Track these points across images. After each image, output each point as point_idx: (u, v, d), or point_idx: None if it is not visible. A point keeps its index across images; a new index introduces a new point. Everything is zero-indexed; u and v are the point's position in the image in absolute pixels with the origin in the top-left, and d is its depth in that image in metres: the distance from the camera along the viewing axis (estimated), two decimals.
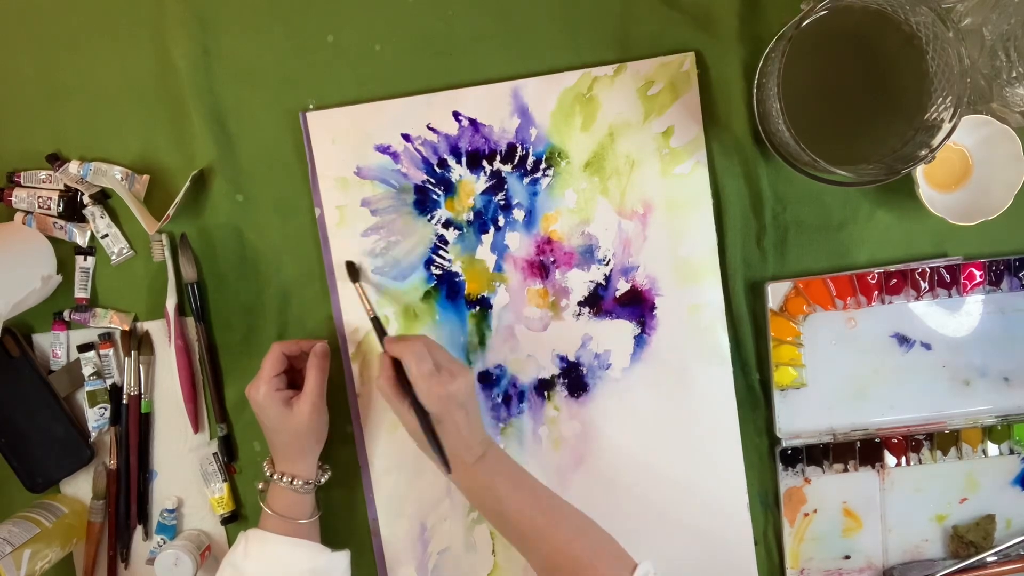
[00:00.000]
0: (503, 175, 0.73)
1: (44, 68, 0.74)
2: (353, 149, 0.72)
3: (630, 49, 0.72)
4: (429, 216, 0.73)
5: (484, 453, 0.65)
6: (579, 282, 0.73)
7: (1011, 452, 0.74)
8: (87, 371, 0.74)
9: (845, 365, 0.73)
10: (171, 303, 0.73)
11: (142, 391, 0.75)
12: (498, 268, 0.74)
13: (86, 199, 0.73)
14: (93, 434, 0.74)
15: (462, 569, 0.75)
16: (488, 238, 0.74)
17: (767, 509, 0.75)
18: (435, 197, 0.73)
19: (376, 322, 0.70)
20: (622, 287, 0.73)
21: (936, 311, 0.73)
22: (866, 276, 0.72)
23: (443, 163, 0.73)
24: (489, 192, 0.73)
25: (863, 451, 0.73)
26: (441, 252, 0.73)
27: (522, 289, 0.74)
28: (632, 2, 0.72)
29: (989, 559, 0.73)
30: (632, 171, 0.72)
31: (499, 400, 0.74)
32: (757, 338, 0.74)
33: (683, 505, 0.74)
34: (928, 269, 0.72)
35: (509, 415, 0.74)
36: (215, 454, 0.75)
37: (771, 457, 0.75)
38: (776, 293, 0.73)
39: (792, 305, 0.73)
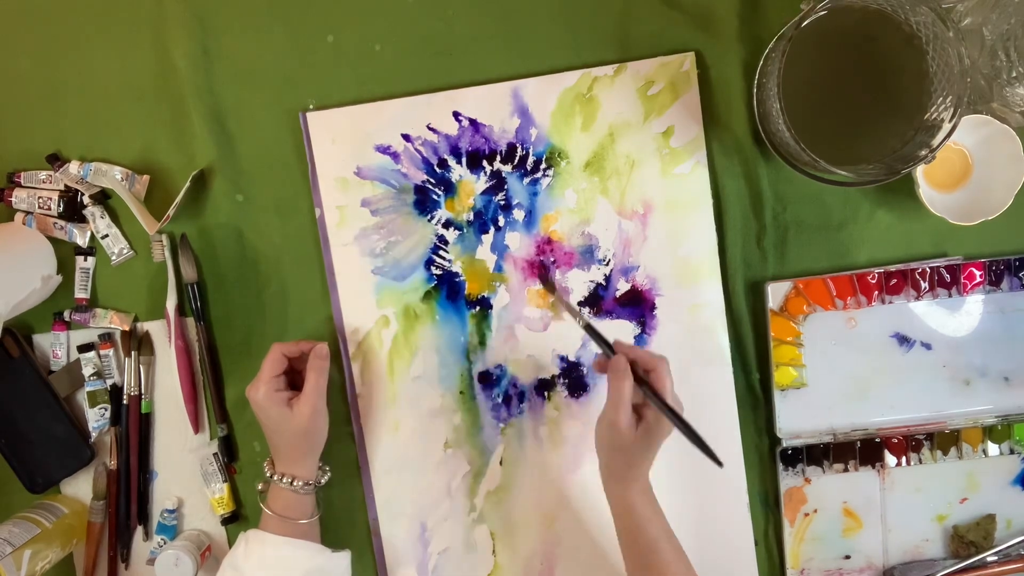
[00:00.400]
0: (503, 175, 0.73)
1: (44, 68, 0.74)
2: (353, 149, 0.72)
3: (630, 49, 0.72)
4: (429, 216, 0.73)
5: (646, 484, 0.65)
6: (579, 282, 0.74)
7: (1011, 452, 0.73)
8: (87, 371, 0.74)
9: (845, 365, 0.73)
10: (171, 303, 0.73)
11: (142, 391, 0.74)
12: (498, 268, 0.74)
13: (86, 199, 0.73)
14: (93, 434, 0.74)
15: (462, 569, 0.75)
16: (488, 238, 0.74)
17: (767, 509, 0.75)
18: (435, 197, 0.73)
19: (592, 329, 0.66)
20: (622, 287, 0.73)
21: (936, 311, 0.73)
22: (866, 276, 0.72)
23: (443, 163, 0.73)
24: (489, 192, 0.73)
25: (863, 451, 0.73)
26: (441, 252, 0.73)
27: (522, 289, 0.74)
28: (632, 2, 0.72)
29: (989, 559, 0.73)
30: (632, 171, 0.72)
31: (499, 400, 0.74)
32: (757, 338, 0.74)
33: (683, 505, 0.74)
34: (928, 269, 0.72)
35: (509, 415, 0.74)
36: (215, 454, 0.75)
37: (771, 457, 0.75)
38: (776, 293, 0.73)
39: (792, 305, 0.73)
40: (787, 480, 0.74)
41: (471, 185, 0.73)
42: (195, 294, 0.74)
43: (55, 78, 0.74)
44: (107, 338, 0.75)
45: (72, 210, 0.74)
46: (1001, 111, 0.68)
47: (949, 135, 0.60)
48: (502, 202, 0.73)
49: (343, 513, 0.75)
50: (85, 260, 0.74)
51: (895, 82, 0.64)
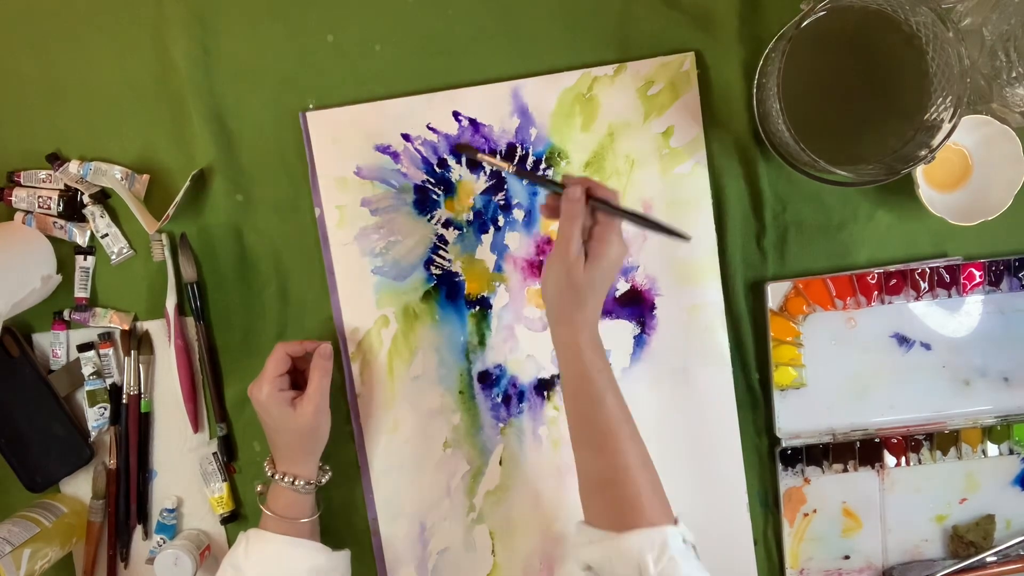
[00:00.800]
0: (503, 175, 0.73)
1: (44, 68, 0.74)
2: (353, 149, 0.72)
3: (630, 49, 0.72)
4: (429, 216, 0.73)
5: (595, 332, 0.62)
6: None
7: (1011, 452, 0.73)
8: (87, 371, 0.74)
9: (845, 365, 0.73)
10: (171, 303, 0.73)
11: (142, 391, 0.74)
12: (498, 268, 0.74)
13: (86, 199, 0.73)
14: (93, 434, 0.74)
15: (462, 569, 0.75)
16: (488, 238, 0.74)
17: (767, 509, 0.75)
18: (435, 197, 0.73)
19: (527, 172, 0.66)
20: (622, 287, 0.73)
21: (936, 311, 0.73)
22: (866, 276, 0.72)
23: (443, 163, 0.73)
24: (489, 192, 0.73)
25: (863, 451, 0.73)
26: (441, 252, 0.73)
27: (522, 289, 0.74)
28: (632, 2, 0.72)
29: (989, 559, 0.73)
30: (632, 171, 0.72)
31: (499, 400, 0.74)
32: (757, 338, 0.74)
33: (683, 505, 0.73)
34: (928, 269, 0.72)
35: (509, 415, 0.74)
36: (215, 454, 0.75)
37: (771, 457, 0.75)
38: (776, 293, 0.73)
39: (792, 305, 0.73)
40: (786, 480, 0.74)
41: (471, 185, 0.73)
42: (195, 293, 0.74)
43: (55, 77, 0.74)
44: (107, 337, 0.75)
45: (72, 209, 0.74)
46: (1001, 111, 0.68)
47: (949, 135, 0.60)
48: (502, 202, 0.73)
49: (343, 513, 0.75)
50: (85, 259, 0.74)
51: (895, 82, 0.64)
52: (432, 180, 0.73)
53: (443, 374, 0.74)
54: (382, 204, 0.73)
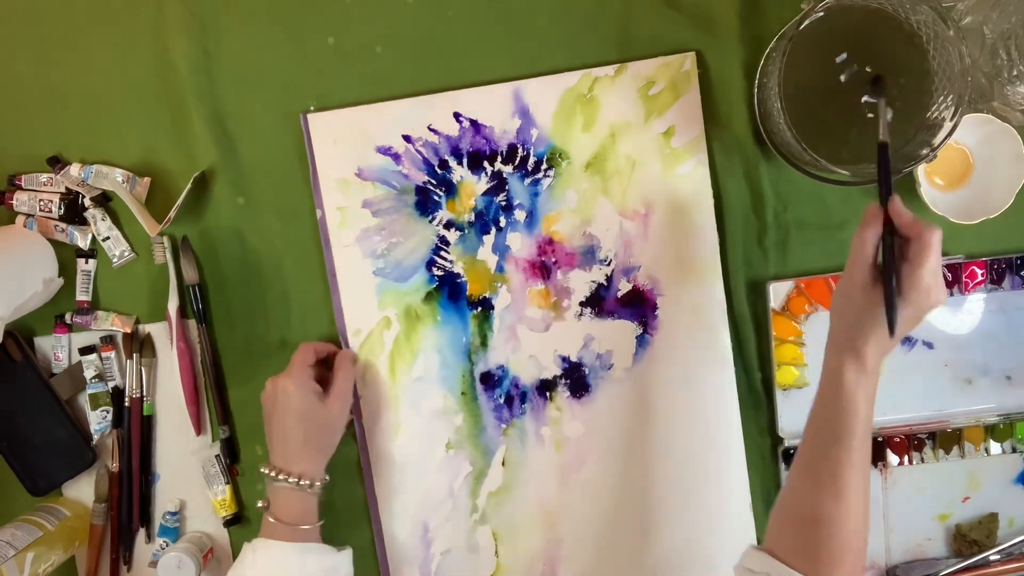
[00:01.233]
0: (504, 176, 0.73)
1: (45, 71, 0.74)
2: (354, 150, 0.72)
3: (631, 49, 0.72)
4: (430, 217, 0.73)
5: (876, 374, 0.57)
6: (581, 282, 0.73)
7: (1013, 451, 0.74)
8: (89, 374, 0.74)
9: None
10: (173, 305, 0.73)
11: (144, 394, 0.74)
12: (499, 269, 0.73)
13: (87, 202, 0.73)
14: (95, 437, 0.74)
15: (465, 570, 0.75)
16: (489, 239, 0.73)
17: (769, 508, 0.75)
18: (436, 198, 0.73)
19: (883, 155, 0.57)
20: (624, 287, 0.73)
21: (938, 310, 0.73)
22: None
23: (444, 164, 0.73)
24: (490, 193, 0.73)
25: None
26: (442, 253, 0.73)
27: (524, 290, 0.74)
28: (632, 2, 0.72)
29: (992, 558, 0.73)
30: (633, 171, 0.72)
31: (501, 401, 0.74)
32: (759, 338, 0.74)
33: (685, 505, 0.74)
34: None
35: (511, 416, 0.74)
36: (217, 456, 0.75)
37: (773, 456, 0.75)
38: (778, 292, 0.73)
39: (794, 304, 0.73)
40: None
41: (472, 186, 0.73)
42: (196, 296, 0.74)
43: (56, 81, 0.74)
44: (109, 340, 0.75)
45: (73, 213, 0.74)
46: (1002, 110, 0.68)
47: (950, 134, 0.60)
48: (503, 203, 0.73)
49: (345, 514, 0.75)
50: (86, 262, 0.74)
51: (896, 81, 0.64)
52: (433, 181, 0.73)
53: (445, 375, 0.74)
54: (383, 205, 0.73)
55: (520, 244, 0.74)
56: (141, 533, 0.76)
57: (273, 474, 0.67)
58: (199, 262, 0.74)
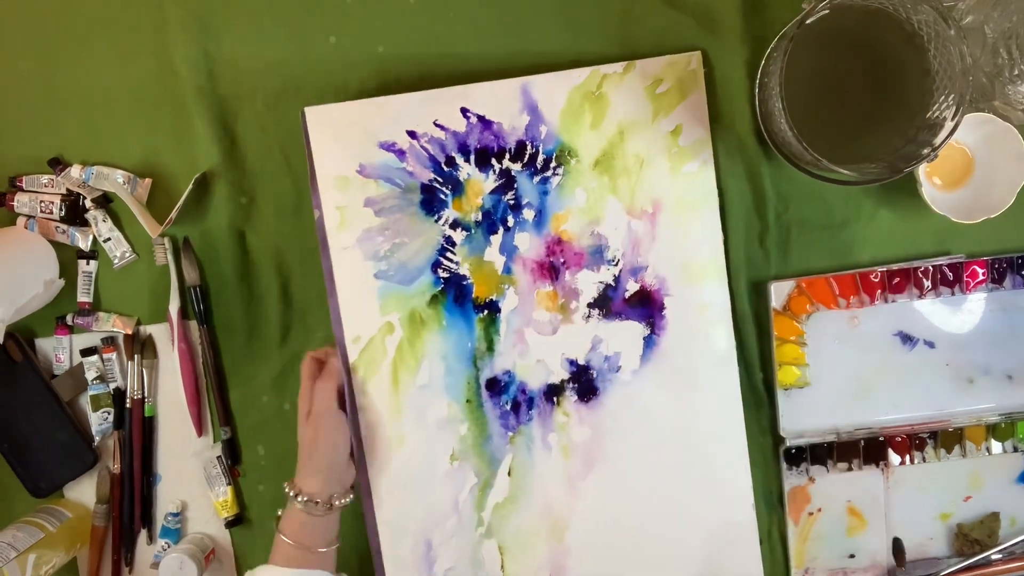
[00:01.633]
0: (512, 174, 0.72)
1: (45, 72, 0.74)
2: (356, 146, 0.71)
3: (632, 49, 0.72)
4: (436, 216, 0.72)
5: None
6: (589, 283, 0.72)
7: (1015, 450, 0.74)
8: (90, 375, 0.74)
9: (848, 364, 0.73)
10: (174, 306, 0.73)
11: (145, 395, 0.74)
12: (507, 270, 0.72)
13: (88, 203, 0.73)
14: (96, 438, 0.75)
15: None
16: (497, 239, 0.72)
17: (771, 508, 0.75)
18: (442, 197, 0.72)
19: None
20: (631, 288, 0.72)
21: (939, 309, 0.73)
22: (869, 275, 0.72)
23: (451, 161, 0.71)
24: (498, 191, 0.72)
25: (867, 450, 0.73)
26: (448, 254, 0.72)
27: (531, 292, 0.72)
28: (633, 2, 0.72)
29: (994, 557, 0.73)
30: (641, 170, 0.71)
31: (507, 408, 0.73)
32: (760, 337, 0.74)
33: (689, 505, 0.73)
34: (931, 267, 0.72)
35: (518, 423, 0.73)
36: (219, 457, 0.75)
37: (775, 456, 0.75)
38: (779, 292, 0.73)
39: (795, 304, 0.73)
40: (791, 479, 0.74)
41: (479, 184, 0.72)
42: (198, 297, 0.74)
43: (56, 82, 0.74)
44: (110, 342, 0.75)
45: (74, 214, 0.74)
46: (1003, 109, 0.68)
47: (951, 133, 0.60)
48: (511, 201, 0.72)
49: (346, 531, 0.71)
50: (87, 264, 0.74)
51: (897, 81, 0.64)
52: (440, 179, 0.71)
53: (450, 383, 0.72)
54: (387, 204, 0.72)
55: (528, 244, 0.72)
56: (143, 534, 0.76)
57: (286, 489, 0.65)
58: (200, 263, 0.74)
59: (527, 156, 0.71)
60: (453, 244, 0.72)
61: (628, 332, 0.73)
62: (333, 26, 0.73)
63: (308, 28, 0.73)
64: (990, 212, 0.69)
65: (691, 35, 0.72)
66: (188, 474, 0.76)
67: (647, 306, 0.73)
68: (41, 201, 0.73)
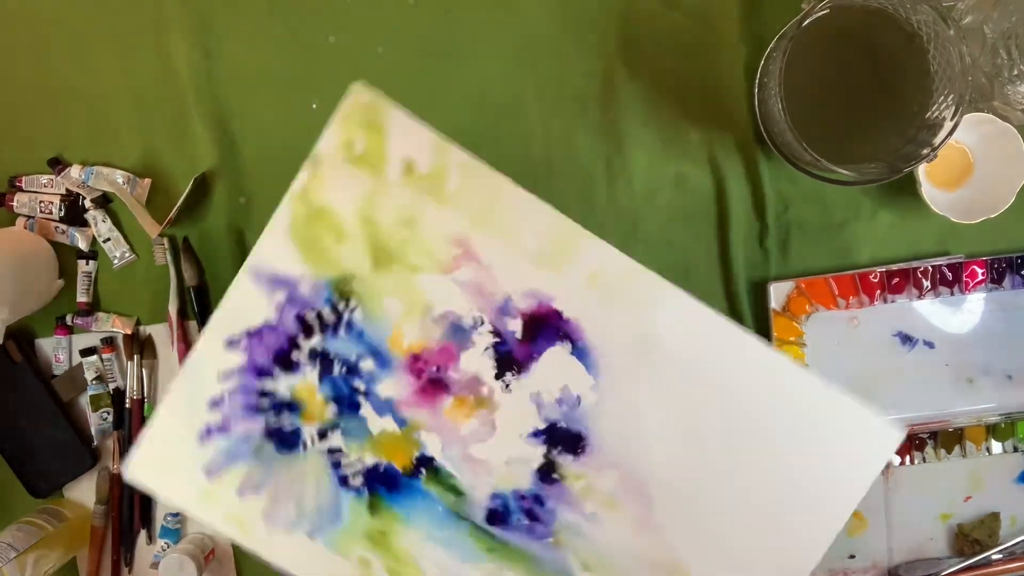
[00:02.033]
0: (320, 350, 0.60)
1: (45, 72, 0.74)
2: (189, 426, 0.60)
3: (633, 49, 0.72)
4: (298, 445, 0.61)
5: None
6: (477, 362, 0.61)
7: (1015, 450, 0.74)
8: (90, 375, 0.74)
9: (848, 364, 0.73)
10: (174, 307, 0.73)
11: (145, 395, 0.74)
12: (401, 423, 0.61)
13: (88, 203, 0.73)
14: (96, 439, 0.74)
15: None
16: (367, 409, 0.61)
17: None
18: (289, 428, 0.61)
19: None
20: (516, 327, 0.61)
21: (939, 309, 0.73)
22: (868, 275, 0.72)
23: (264, 393, 0.61)
24: (326, 374, 0.61)
25: None
26: (342, 461, 0.61)
27: (440, 418, 0.61)
28: (633, 3, 0.72)
29: (994, 557, 0.73)
30: (416, 226, 0.59)
31: (525, 522, 0.62)
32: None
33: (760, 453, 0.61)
34: (930, 268, 0.72)
35: (547, 525, 0.62)
36: None
37: None
38: (778, 293, 0.73)
39: (795, 305, 0.73)
40: None
41: (304, 385, 0.61)
42: (198, 297, 0.73)
43: (56, 82, 0.74)
44: (109, 342, 0.75)
45: (74, 214, 0.74)
46: (1003, 109, 0.69)
47: (951, 134, 0.60)
48: (344, 370, 0.61)
49: None
50: (87, 264, 0.74)
51: (896, 81, 0.64)
52: (273, 414, 0.60)
53: (458, 551, 0.61)
54: (251, 479, 0.61)
55: (395, 386, 0.61)
56: (142, 535, 0.76)
57: None
58: (200, 263, 0.74)
59: (314, 325, 0.60)
60: (338, 449, 0.61)
61: (554, 363, 0.61)
62: (333, 26, 0.73)
63: (308, 27, 0.73)
64: (989, 212, 0.69)
65: (689, 36, 0.72)
66: None
67: (546, 327, 0.61)
68: (41, 201, 0.73)
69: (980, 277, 0.72)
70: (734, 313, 0.73)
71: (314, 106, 0.73)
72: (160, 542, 0.75)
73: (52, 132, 0.74)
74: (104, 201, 0.74)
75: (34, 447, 0.73)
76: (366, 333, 0.61)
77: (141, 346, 0.74)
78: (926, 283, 0.72)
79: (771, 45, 0.66)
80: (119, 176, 0.73)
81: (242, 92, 0.73)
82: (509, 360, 0.61)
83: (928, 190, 0.70)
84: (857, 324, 0.73)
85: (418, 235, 0.60)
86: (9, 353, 0.73)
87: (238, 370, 0.60)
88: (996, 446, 0.73)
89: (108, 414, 0.74)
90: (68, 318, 0.74)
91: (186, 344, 0.74)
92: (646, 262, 0.58)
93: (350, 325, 0.60)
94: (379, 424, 0.61)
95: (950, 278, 0.72)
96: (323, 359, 0.60)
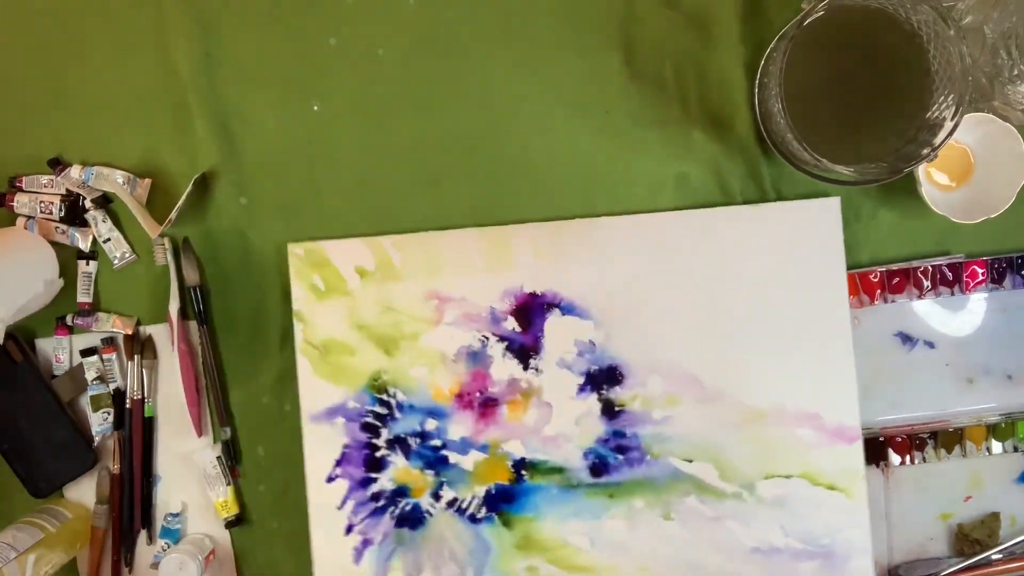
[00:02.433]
0: (392, 438, 0.71)
1: (45, 73, 0.74)
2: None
3: (633, 49, 0.72)
4: (426, 515, 0.71)
5: None
6: (503, 368, 0.71)
7: (1015, 450, 0.74)
8: (90, 376, 0.74)
9: None
10: (174, 307, 0.73)
11: (145, 395, 0.74)
12: (483, 449, 0.70)
13: (88, 203, 0.73)
14: (96, 439, 0.74)
15: None
16: (454, 457, 0.71)
17: None
18: (410, 508, 0.71)
19: None
20: (510, 325, 0.71)
21: (939, 309, 0.73)
22: (869, 275, 0.72)
23: (376, 496, 0.71)
24: (408, 451, 0.71)
25: (867, 450, 0.73)
26: (463, 505, 0.71)
27: (507, 426, 0.71)
28: (633, 4, 0.72)
29: (994, 557, 0.73)
30: (394, 310, 0.70)
31: (620, 459, 0.70)
32: None
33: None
34: (930, 267, 0.72)
35: (636, 449, 0.70)
36: (219, 458, 0.75)
37: None
38: None
39: None
40: None
41: (400, 469, 0.71)
42: (198, 297, 0.73)
43: (56, 82, 0.74)
44: (110, 342, 0.75)
45: (74, 214, 0.73)
46: (1003, 109, 0.69)
47: (951, 133, 0.60)
48: (418, 440, 0.71)
49: None
50: (87, 264, 0.74)
51: (897, 81, 0.64)
52: (393, 507, 0.71)
53: (593, 512, 0.70)
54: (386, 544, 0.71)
55: (460, 427, 0.71)
56: (142, 535, 0.76)
57: None
58: (200, 263, 0.74)
59: (377, 424, 0.71)
60: (454, 500, 0.71)
61: (556, 330, 0.70)
62: (333, 27, 0.73)
63: (308, 29, 0.73)
64: (990, 212, 0.69)
65: (689, 36, 0.72)
66: (188, 474, 0.75)
67: (531, 309, 0.71)
68: (41, 201, 0.73)
69: (980, 277, 0.72)
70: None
71: (315, 107, 0.73)
72: (160, 542, 0.75)
73: (52, 132, 0.74)
74: (104, 201, 0.74)
75: (34, 447, 0.73)
76: (415, 404, 0.71)
77: (142, 346, 0.74)
78: (926, 283, 0.72)
79: (771, 45, 0.66)
80: (119, 176, 0.73)
81: (243, 92, 0.73)
82: (524, 351, 0.70)
83: (928, 190, 0.70)
84: (858, 324, 0.73)
85: (400, 312, 0.70)
86: (9, 353, 0.73)
87: (347, 494, 0.70)
88: (996, 446, 0.73)
89: (109, 414, 0.74)
90: (68, 318, 0.74)
91: (186, 344, 0.74)
92: None
93: (400, 406, 0.71)
94: (469, 460, 0.70)
95: (950, 278, 0.72)
96: (399, 443, 0.71)
